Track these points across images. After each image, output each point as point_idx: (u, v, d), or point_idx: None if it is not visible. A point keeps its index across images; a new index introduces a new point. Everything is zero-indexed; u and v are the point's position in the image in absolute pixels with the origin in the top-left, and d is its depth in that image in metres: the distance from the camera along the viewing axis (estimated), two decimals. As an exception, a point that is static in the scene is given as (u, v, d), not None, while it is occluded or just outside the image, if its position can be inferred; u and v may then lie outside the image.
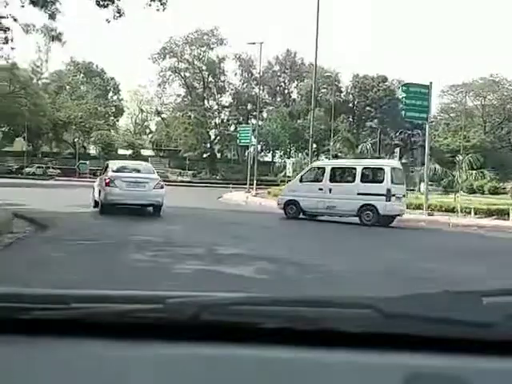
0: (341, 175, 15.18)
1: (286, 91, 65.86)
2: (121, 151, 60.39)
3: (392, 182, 13.79)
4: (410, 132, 49.28)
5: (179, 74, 57.30)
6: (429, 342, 0.83)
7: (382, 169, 14.24)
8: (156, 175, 14.44)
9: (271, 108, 61.70)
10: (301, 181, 15.34)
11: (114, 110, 66.81)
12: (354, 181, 14.31)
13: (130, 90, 67.67)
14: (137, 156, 54.20)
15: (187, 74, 57.70)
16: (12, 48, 20.28)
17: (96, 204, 14.05)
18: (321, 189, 14.56)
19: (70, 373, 0.80)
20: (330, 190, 14.42)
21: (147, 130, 72.40)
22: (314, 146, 63.13)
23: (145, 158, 57.46)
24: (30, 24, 63.52)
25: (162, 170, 53.67)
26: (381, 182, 13.90)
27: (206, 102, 59.02)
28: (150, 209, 13.47)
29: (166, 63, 56.41)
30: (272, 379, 0.79)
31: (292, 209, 15.08)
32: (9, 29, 17.18)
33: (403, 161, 54.70)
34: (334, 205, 14.26)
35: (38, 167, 53.04)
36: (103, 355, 0.83)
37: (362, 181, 14.17)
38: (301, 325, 0.85)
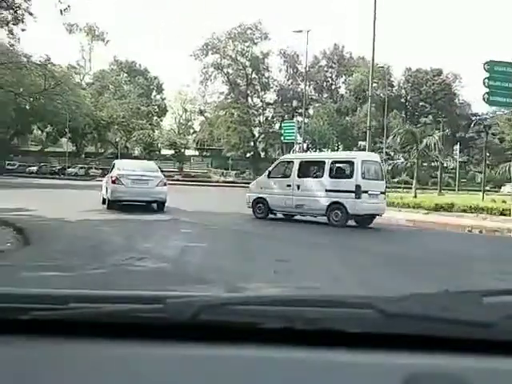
0: (309, 170, 13.68)
1: (334, 87, 62.84)
2: (164, 151, 59.33)
3: (363, 177, 12.36)
4: (485, 123, 44.47)
5: (222, 71, 55.36)
6: (429, 342, 0.83)
7: (351, 162, 12.66)
8: (159, 173, 15.04)
9: (317, 104, 58.86)
10: (269, 176, 13.95)
11: (157, 109, 65.91)
12: (322, 176, 12.92)
13: (174, 90, 66.62)
14: (179, 156, 52.70)
15: (230, 71, 55.70)
16: (23, 30, 18.43)
17: (104, 201, 14.92)
18: (289, 185, 13.28)
19: (69, 373, 0.82)
20: (298, 187, 13.10)
21: (191, 130, 71.13)
22: (365, 143, 60.10)
23: (187, 158, 56.20)
24: (73, 24, 62.74)
25: (204, 170, 52.09)
26: (350, 177, 12.43)
27: (249, 99, 56.83)
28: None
29: (208, 60, 54.64)
30: (272, 379, 0.80)
31: (260, 208, 13.79)
32: (19, 7, 15.30)
33: (459, 159, 50.98)
34: (303, 203, 12.98)
35: (81, 168, 52.50)
36: (103, 355, 0.85)
37: (330, 176, 12.76)
38: (301, 325, 0.86)
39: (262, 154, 58.56)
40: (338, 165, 13.08)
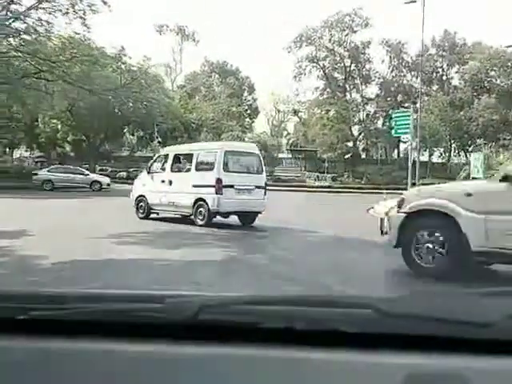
0: (181, 163, 13.06)
1: (445, 77, 55.33)
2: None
3: (227, 169, 11.61)
4: None
5: (317, 64, 50.27)
6: (429, 342, 0.83)
7: (214, 153, 11.86)
8: None
9: (427, 98, 51.82)
10: (148, 172, 13.41)
11: (248, 110, 62.73)
12: (190, 170, 12.38)
13: (266, 91, 63.16)
14: (270, 158, 48.46)
15: (326, 64, 50.51)
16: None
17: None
18: (163, 181, 12.79)
19: (69, 372, 0.82)
20: (171, 182, 12.60)
21: (284, 132, 67.14)
22: (482, 141, 52.21)
23: (279, 161, 51.96)
24: (163, 25, 60.84)
25: (297, 173, 47.58)
26: (212, 169, 11.74)
27: (347, 94, 51.20)
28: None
29: (302, 52, 49.85)
30: (272, 379, 0.81)
31: (142, 207, 13.23)
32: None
33: None
34: (174, 200, 12.37)
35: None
36: (102, 354, 0.85)
37: (197, 169, 12.17)
38: (301, 325, 0.86)
39: (363, 155, 52.59)
40: (203, 157, 12.18)
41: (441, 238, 5.97)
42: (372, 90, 52.69)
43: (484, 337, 0.82)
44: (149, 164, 13.61)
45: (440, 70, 55.50)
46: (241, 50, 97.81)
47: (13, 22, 25.52)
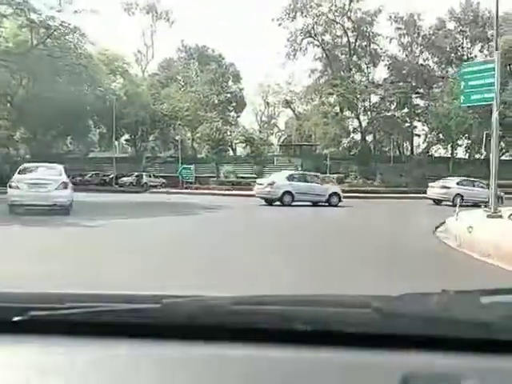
0: None
1: (466, 57, 46.46)
2: (240, 151, 46.84)
3: None
4: None
5: (315, 38, 41.04)
6: (428, 342, 0.84)
7: None
8: (62, 176, 14.91)
9: (441, 83, 42.93)
10: None
11: (232, 101, 53.65)
12: None
13: (253, 81, 53.84)
14: (258, 156, 39.14)
15: (326, 39, 41.34)
16: None
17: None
18: None
19: (68, 372, 0.82)
20: None
21: (275, 129, 57.99)
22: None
23: (269, 159, 42.83)
24: (131, 3, 50.23)
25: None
26: None
27: (352, 76, 42.00)
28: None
29: (296, 25, 40.56)
30: (271, 379, 0.80)
31: None
32: None
33: None
34: None
35: (137, 176, 41.51)
36: (101, 355, 0.85)
37: None
38: (300, 325, 0.86)
39: (372, 150, 43.25)
40: None
41: None
42: (379, 74, 43.59)
43: (483, 336, 0.82)
44: None
45: (460, 48, 46.66)
46: (223, 33, 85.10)
47: None
